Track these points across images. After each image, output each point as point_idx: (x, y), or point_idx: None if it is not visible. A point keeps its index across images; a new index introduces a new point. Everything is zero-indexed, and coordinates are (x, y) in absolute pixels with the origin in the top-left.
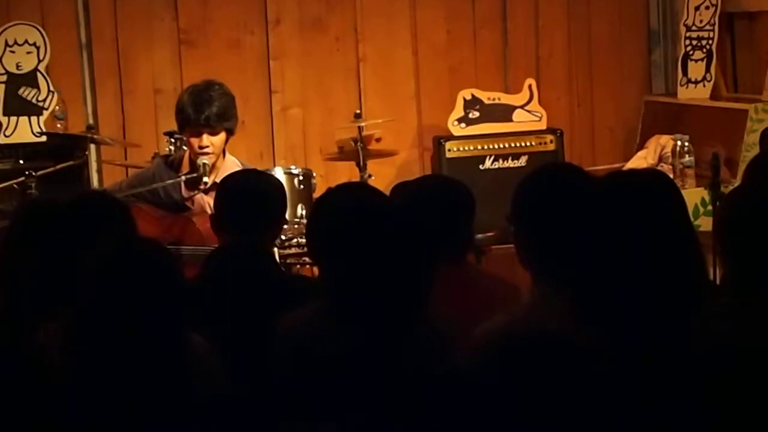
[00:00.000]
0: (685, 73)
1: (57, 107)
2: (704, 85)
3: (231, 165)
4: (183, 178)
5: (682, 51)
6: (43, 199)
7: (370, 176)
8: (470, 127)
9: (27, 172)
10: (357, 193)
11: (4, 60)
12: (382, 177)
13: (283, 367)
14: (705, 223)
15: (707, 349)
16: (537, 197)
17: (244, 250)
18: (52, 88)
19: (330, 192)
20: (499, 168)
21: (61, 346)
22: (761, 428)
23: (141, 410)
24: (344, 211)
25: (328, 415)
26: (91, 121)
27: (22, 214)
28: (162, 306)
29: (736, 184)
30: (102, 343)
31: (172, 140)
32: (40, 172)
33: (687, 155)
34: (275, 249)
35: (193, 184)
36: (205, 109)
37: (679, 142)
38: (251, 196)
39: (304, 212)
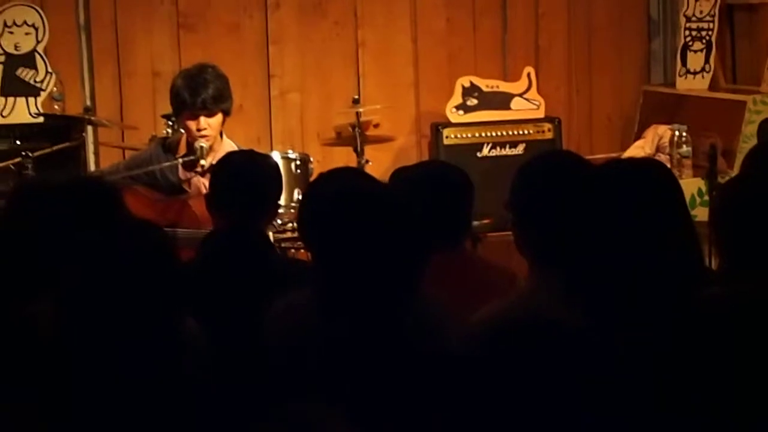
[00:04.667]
0: (684, 63)
1: (54, 88)
2: (703, 76)
3: (228, 148)
4: (180, 160)
5: (682, 41)
6: (38, 179)
7: (367, 162)
8: (468, 115)
9: (24, 153)
10: (348, 178)
11: (2, 40)
12: (379, 163)
13: (276, 350)
14: (701, 214)
15: (702, 337)
16: (536, 184)
17: (240, 233)
18: (50, 70)
19: (320, 178)
20: (496, 156)
21: (53, 326)
22: (759, 414)
23: (133, 391)
24: (335, 197)
25: (318, 398)
26: (88, 103)
27: (16, 194)
28: (156, 288)
29: (733, 175)
30: (95, 324)
31: (170, 123)
32: (36, 153)
33: (684, 145)
34: (270, 233)
35: (191, 166)
36: (201, 92)
37: (677, 132)
38: (246, 177)
39: (300, 197)
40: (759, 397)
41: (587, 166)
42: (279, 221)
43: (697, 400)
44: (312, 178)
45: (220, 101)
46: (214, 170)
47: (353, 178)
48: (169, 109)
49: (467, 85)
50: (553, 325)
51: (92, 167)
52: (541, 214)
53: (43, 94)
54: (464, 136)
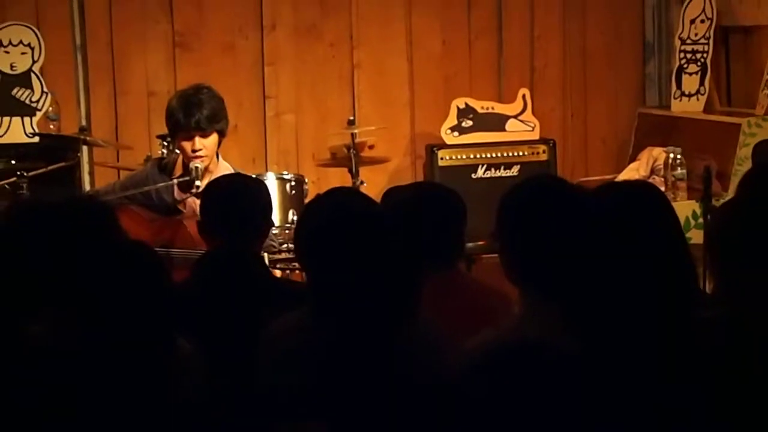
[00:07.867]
0: (679, 85)
1: (50, 108)
2: (698, 99)
3: (224, 169)
4: (175, 181)
5: (677, 64)
6: (33, 199)
7: (362, 183)
8: (463, 136)
9: (19, 173)
10: (344, 198)
11: None
12: (374, 184)
13: (271, 371)
14: (696, 236)
15: (697, 360)
16: (521, 213)
17: (233, 254)
18: (45, 89)
19: (318, 198)
20: (491, 177)
21: (49, 346)
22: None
23: (127, 412)
24: (330, 217)
25: (315, 419)
26: (84, 123)
27: (11, 214)
28: (150, 308)
29: (728, 198)
30: (89, 345)
31: (165, 143)
32: (32, 173)
33: (679, 168)
34: (265, 254)
35: (186, 187)
36: (195, 112)
37: (671, 155)
38: (235, 201)
39: (295, 218)
40: (752, 418)
41: (572, 189)
42: (273, 242)
43: (693, 423)
44: (307, 199)
45: (214, 121)
46: (204, 195)
47: (349, 198)
48: (164, 129)
49: (462, 106)
50: (547, 351)
51: (87, 187)
52: (526, 242)
53: (39, 114)
54: (459, 157)
